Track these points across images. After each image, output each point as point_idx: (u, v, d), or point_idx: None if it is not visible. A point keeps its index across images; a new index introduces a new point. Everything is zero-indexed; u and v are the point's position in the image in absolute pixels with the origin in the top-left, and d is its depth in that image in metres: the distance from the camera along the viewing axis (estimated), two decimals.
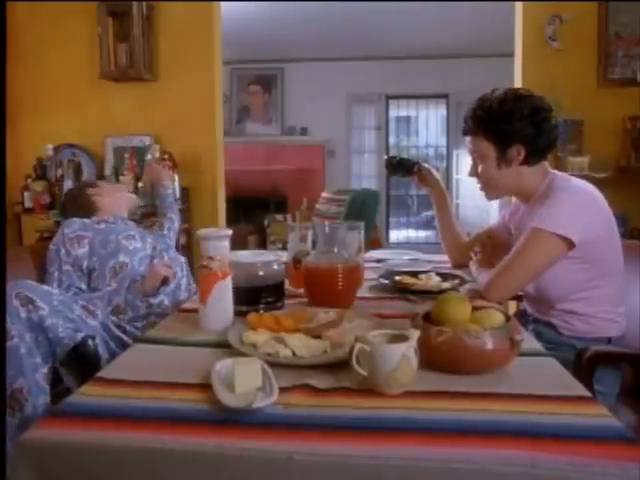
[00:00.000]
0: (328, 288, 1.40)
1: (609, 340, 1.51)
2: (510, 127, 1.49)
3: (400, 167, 1.92)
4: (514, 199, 1.76)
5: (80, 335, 1.35)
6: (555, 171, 1.59)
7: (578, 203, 1.46)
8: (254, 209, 6.63)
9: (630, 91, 3.25)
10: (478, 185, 1.65)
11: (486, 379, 0.97)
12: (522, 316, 1.65)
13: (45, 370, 1.29)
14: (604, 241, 1.49)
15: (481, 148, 1.56)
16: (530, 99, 1.52)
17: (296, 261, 1.57)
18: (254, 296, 1.35)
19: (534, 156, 1.53)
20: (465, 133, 1.61)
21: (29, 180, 3.53)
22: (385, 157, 1.98)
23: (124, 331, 1.59)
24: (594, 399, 0.90)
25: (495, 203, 6.39)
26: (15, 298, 1.26)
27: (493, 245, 1.73)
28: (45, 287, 1.36)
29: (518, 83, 3.33)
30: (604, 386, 1.42)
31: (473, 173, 1.63)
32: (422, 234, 8.04)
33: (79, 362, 1.35)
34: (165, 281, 1.76)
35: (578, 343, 1.47)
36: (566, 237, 1.40)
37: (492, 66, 5.60)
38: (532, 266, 1.44)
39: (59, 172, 3.53)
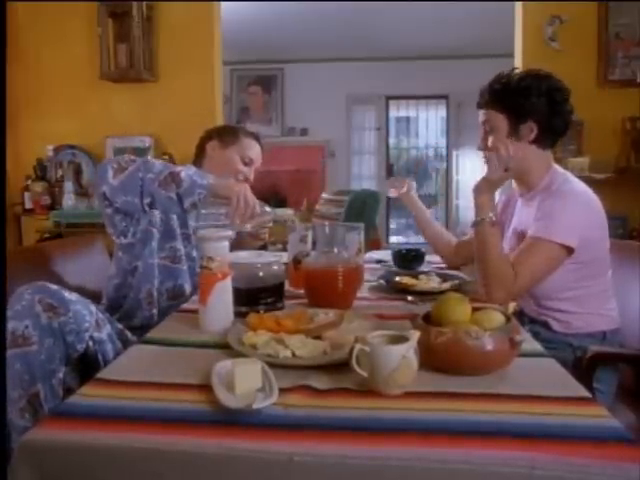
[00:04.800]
0: (328, 289, 1.40)
1: (604, 334, 1.52)
2: (526, 102, 1.49)
3: (406, 257, 1.96)
4: (501, 194, 1.78)
5: (86, 335, 1.35)
6: (556, 166, 1.60)
7: (575, 208, 1.47)
8: None
9: (630, 92, 3.26)
10: (483, 159, 1.62)
11: (486, 380, 0.97)
12: (519, 316, 1.65)
13: (60, 375, 1.29)
14: (597, 243, 1.51)
15: (494, 120, 1.55)
16: (550, 79, 1.52)
17: (296, 262, 1.57)
18: (254, 297, 1.35)
19: (545, 137, 1.53)
20: (480, 106, 1.59)
21: (29, 181, 3.54)
22: (392, 252, 2.03)
23: (127, 339, 1.58)
24: (594, 400, 0.90)
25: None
26: (38, 303, 1.26)
27: None
28: (65, 293, 1.35)
29: None
30: (603, 384, 1.43)
31: (482, 146, 1.61)
32: None
33: (81, 365, 1.35)
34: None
35: (574, 340, 1.49)
36: (566, 245, 1.42)
37: (492, 66, 5.56)
38: (533, 273, 1.44)
39: (59, 173, 3.54)
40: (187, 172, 1.45)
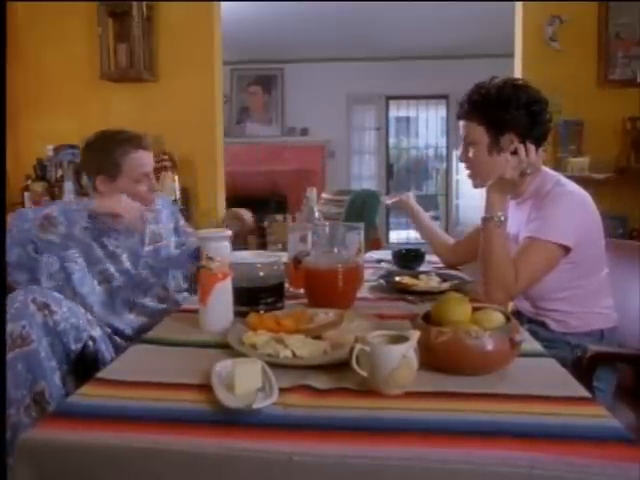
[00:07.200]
0: (328, 289, 1.40)
1: (602, 333, 1.53)
2: (505, 114, 1.50)
3: (407, 256, 1.97)
4: None
5: (84, 335, 1.36)
6: (546, 169, 1.60)
7: (570, 208, 1.47)
8: (254, 209, 6.61)
9: (630, 92, 3.25)
10: (466, 171, 1.65)
11: (486, 379, 0.97)
12: (517, 316, 1.65)
13: (61, 374, 1.29)
14: (592, 242, 1.51)
15: (474, 133, 1.57)
16: (528, 89, 1.54)
17: (296, 262, 1.57)
18: (254, 297, 1.35)
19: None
20: (459, 117, 1.62)
21: (29, 181, 3.53)
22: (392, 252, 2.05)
23: (126, 338, 1.58)
24: (594, 400, 0.90)
25: None
26: (32, 303, 1.27)
27: None
28: (55, 293, 1.36)
29: None
30: (602, 383, 1.43)
31: (463, 158, 1.63)
32: None
33: (80, 365, 1.36)
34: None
35: (572, 339, 1.50)
36: (563, 244, 1.43)
37: (492, 66, 5.52)
38: (532, 274, 1.45)
39: (59, 173, 3.53)
40: (62, 208, 1.52)
